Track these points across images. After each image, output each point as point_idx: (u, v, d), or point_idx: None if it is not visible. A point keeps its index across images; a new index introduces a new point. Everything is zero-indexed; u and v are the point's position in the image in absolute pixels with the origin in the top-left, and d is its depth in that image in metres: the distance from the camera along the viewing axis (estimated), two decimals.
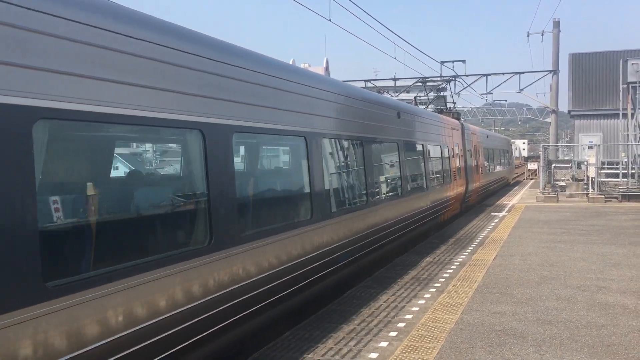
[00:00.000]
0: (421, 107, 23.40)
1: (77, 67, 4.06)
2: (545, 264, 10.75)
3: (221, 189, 5.69)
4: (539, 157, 40.46)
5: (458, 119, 22.47)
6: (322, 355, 6.07)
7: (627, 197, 24.50)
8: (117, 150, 6.97)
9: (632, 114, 28.33)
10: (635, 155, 26.88)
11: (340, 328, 6.99)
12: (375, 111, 11.03)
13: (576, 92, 38.94)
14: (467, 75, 40.02)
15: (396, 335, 6.64)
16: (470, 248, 12.60)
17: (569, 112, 40.03)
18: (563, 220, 17.80)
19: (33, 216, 3.64)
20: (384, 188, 11.63)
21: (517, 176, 57.01)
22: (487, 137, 29.41)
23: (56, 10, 3.95)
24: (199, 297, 5.25)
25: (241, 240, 5.98)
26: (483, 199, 25.89)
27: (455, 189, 18.47)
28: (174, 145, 8.72)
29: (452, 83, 38.96)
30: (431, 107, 26.10)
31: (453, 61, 38.66)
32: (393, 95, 32.01)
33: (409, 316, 7.40)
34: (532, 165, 58.38)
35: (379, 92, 22.04)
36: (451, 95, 29.83)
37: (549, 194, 25.74)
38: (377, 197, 10.65)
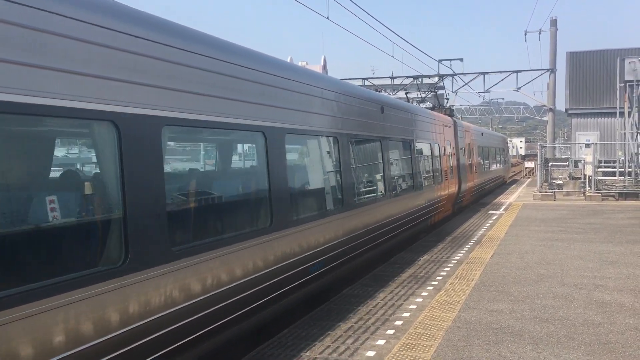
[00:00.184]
0: (419, 105, 22.72)
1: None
2: (542, 262, 10.76)
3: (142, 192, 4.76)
4: (536, 155, 40.50)
5: (451, 115, 21.53)
6: (320, 354, 6.06)
7: (624, 195, 24.55)
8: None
9: (629, 113, 28.37)
10: (632, 153, 26.93)
11: (337, 326, 7.00)
12: (355, 105, 10.04)
13: (573, 91, 38.98)
14: (464, 74, 40.03)
15: (393, 333, 6.65)
16: (467, 246, 12.61)
17: (566, 110, 40.08)
18: (560, 218, 17.83)
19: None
20: (363, 190, 10.57)
21: (515, 174, 57.07)
22: (482, 134, 28.64)
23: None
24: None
25: (172, 257, 4.99)
26: (478, 199, 25.11)
27: (447, 189, 17.52)
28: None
29: (447, 80, 39.00)
30: (428, 104, 25.53)
31: (451, 59, 38.66)
32: (391, 93, 31.89)
33: (406, 314, 7.41)
34: (529, 164, 58.49)
35: (376, 91, 21.96)
36: (445, 93, 28.80)
37: (546, 192, 25.78)
38: (355, 200, 9.61)
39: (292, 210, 7.26)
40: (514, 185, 36.96)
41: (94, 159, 5.39)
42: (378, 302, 8.04)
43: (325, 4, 17.71)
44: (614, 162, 27.97)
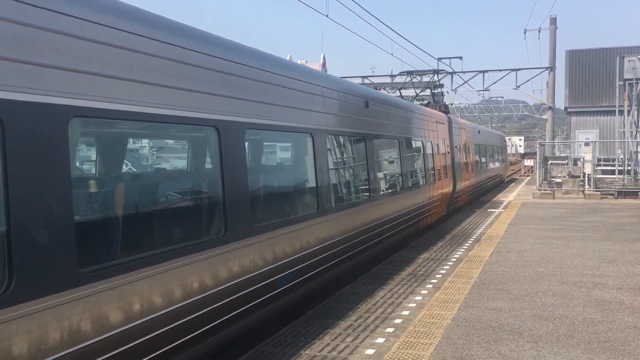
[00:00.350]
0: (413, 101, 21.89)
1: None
2: (542, 260, 10.77)
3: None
4: (535, 153, 40.49)
5: (446, 112, 20.62)
6: (319, 351, 6.06)
7: (623, 193, 24.57)
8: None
9: (629, 111, 28.38)
10: (631, 152, 26.94)
11: (337, 324, 6.99)
12: (334, 98, 9.11)
13: (573, 89, 38.98)
14: (464, 72, 40.04)
15: (393, 332, 6.64)
16: (466, 244, 12.61)
17: (566, 108, 40.09)
18: (559, 216, 17.84)
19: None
20: (342, 193, 9.67)
21: (513, 173, 57.11)
22: (479, 132, 27.72)
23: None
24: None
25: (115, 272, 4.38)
26: (474, 199, 24.27)
27: (440, 190, 16.54)
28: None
29: (446, 78, 38.96)
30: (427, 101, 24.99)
31: (450, 58, 38.74)
32: (390, 91, 31.84)
33: (405, 312, 7.41)
34: (528, 162, 58.53)
35: (375, 89, 21.72)
36: (441, 89, 27.80)
37: (545, 190, 25.79)
38: (332, 204, 8.68)
39: (252, 217, 6.33)
40: (513, 184, 36.97)
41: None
42: (377, 300, 8.04)
43: (324, 2, 17.68)
44: (613, 160, 27.98)
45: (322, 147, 8.43)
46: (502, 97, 69.59)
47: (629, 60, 28.04)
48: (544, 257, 11.09)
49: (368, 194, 10.41)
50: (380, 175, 11.36)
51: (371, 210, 10.35)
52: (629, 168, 26.29)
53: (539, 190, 26.10)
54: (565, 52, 40.13)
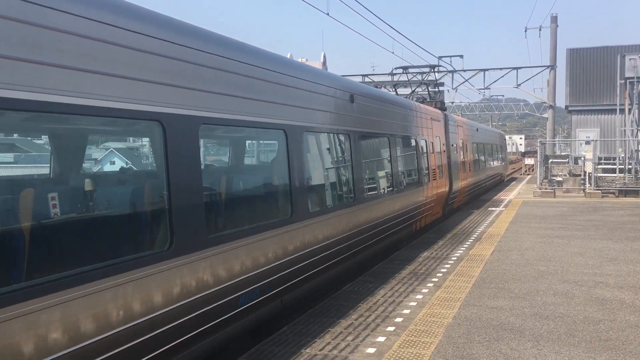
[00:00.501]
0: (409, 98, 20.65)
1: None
2: (543, 258, 10.76)
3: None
4: (535, 152, 40.42)
5: (442, 109, 19.81)
6: (320, 350, 6.06)
7: (624, 192, 24.56)
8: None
9: (630, 110, 28.35)
10: (632, 150, 26.91)
11: (337, 323, 6.99)
12: (313, 92, 8.26)
13: (574, 88, 38.93)
14: (464, 70, 39.99)
15: (394, 330, 6.64)
16: (467, 243, 12.60)
17: (567, 107, 40.03)
18: (560, 215, 17.82)
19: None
20: (324, 195, 8.89)
21: (514, 172, 57.08)
22: (477, 130, 26.74)
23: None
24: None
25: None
26: (472, 200, 23.57)
27: (435, 190, 15.72)
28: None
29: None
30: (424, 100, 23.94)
31: (451, 56, 38.64)
32: (390, 90, 31.75)
33: (406, 311, 7.40)
34: (529, 161, 58.52)
35: (376, 87, 21.44)
36: (438, 85, 26.58)
37: (546, 189, 25.78)
38: (310, 209, 7.89)
39: (206, 226, 5.53)
40: (514, 182, 36.95)
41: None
42: (378, 299, 8.03)
43: (325, 0, 17.65)
44: (614, 159, 27.94)
45: (297, 146, 7.58)
46: (503, 96, 69.53)
47: (629, 59, 27.99)
48: (544, 255, 11.08)
49: (352, 197, 9.55)
50: (366, 176, 10.55)
51: (356, 214, 9.52)
52: (630, 167, 26.25)
53: (540, 188, 26.09)
54: (566, 51, 40.08)
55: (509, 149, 66.19)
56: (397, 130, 12.61)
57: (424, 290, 8.44)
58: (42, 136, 7.16)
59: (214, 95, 5.81)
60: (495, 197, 24.95)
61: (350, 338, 6.42)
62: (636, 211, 18.84)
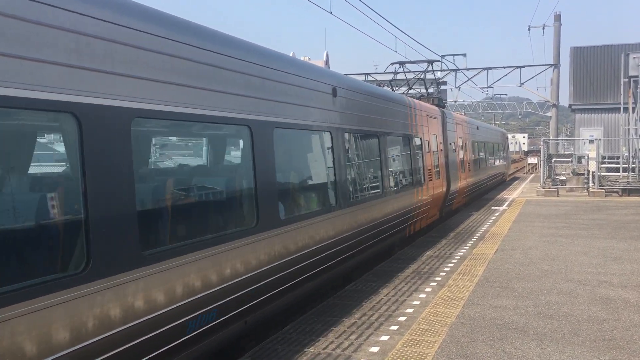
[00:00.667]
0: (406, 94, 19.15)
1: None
2: (546, 258, 10.74)
3: None
4: (539, 151, 40.34)
5: (440, 106, 18.70)
6: (324, 349, 6.06)
7: (628, 191, 24.50)
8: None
9: (633, 108, 28.26)
10: (636, 149, 26.84)
11: (341, 322, 6.99)
12: (284, 82, 7.31)
13: (577, 86, 38.86)
14: (467, 69, 39.95)
15: (397, 329, 6.63)
16: (470, 242, 12.59)
17: (570, 106, 39.98)
18: (564, 214, 17.79)
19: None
20: (300, 200, 8.10)
21: (517, 171, 56.94)
22: (477, 128, 25.67)
23: None
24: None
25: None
26: (472, 201, 22.66)
27: (431, 192, 14.77)
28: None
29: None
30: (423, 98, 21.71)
31: (454, 55, 38.65)
32: (394, 89, 31.65)
33: (410, 310, 7.39)
34: (532, 160, 58.43)
35: (379, 86, 21.15)
36: (436, 80, 25.45)
37: (549, 188, 25.73)
38: (282, 215, 7.00)
39: (140, 241, 4.59)
40: (517, 181, 36.88)
41: None
42: (381, 298, 8.03)
43: None
44: (618, 158, 27.87)
45: (265, 144, 6.66)
46: (506, 95, 69.46)
47: (633, 57, 27.92)
48: (548, 254, 11.06)
49: (334, 201, 8.65)
50: (351, 178, 9.59)
51: (338, 221, 8.62)
52: (634, 165, 26.19)
53: (543, 187, 26.05)
54: (570, 49, 40.02)
55: (511, 148, 66.06)
56: (387, 127, 11.64)
57: (428, 289, 8.43)
58: None
59: (150, 83, 4.86)
60: (498, 196, 24.92)
61: (353, 337, 6.42)
62: None
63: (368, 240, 10.02)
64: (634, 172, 26.02)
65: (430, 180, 14.81)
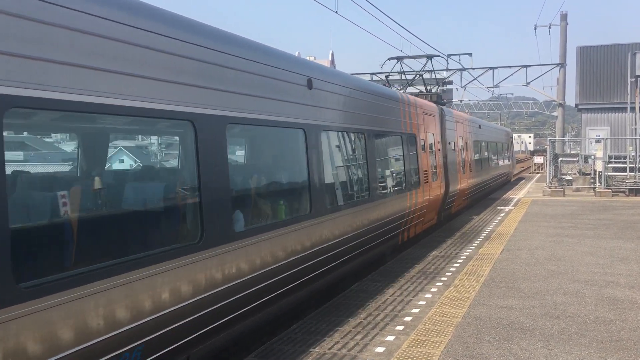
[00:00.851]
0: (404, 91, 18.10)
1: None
2: (553, 258, 10.69)
3: None
4: (544, 150, 40.17)
5: (439, 103, 17.63)
6: (329, 349, 6.05)
7: (635, 191, 24.38)
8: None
9: None
10: None
11: (346, 322, 6.97)
12: (243, 70, 6.26)
13: (584, 86, 38.71)
14: (473, 69, 39.86)
15: (403, 329, 6.62)
16: (476, 242, 12.55)
17: (576, 105, 39.83)
18: (570, 214, 17.72)
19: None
20: (263, 208, 7.09)
21: (523, 171, 56.74)
22: (480, 127, 24.61)
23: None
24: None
25: None
26: (474, 203, 21.67)
27: (428, 195, 13.75)
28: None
29: (456, 75, 38.70)
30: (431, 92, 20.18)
31: (459, 54, 38.56)
32: (398, 88, 31.51)
33: (415, 310, 7.37)
34: (538, 159, 58.24)
35: (384, 85, 20.79)
36: (435, 76, 24.09)
37: (555, 188, 25.64)
38: (241, 226, 6.15)
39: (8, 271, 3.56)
40: (523, 181, 36.76)
41: None
42: (387, 298, 8.01)
43: None
44: (625, 157, 27.73)
45: (217, 142, 5.66)
46: (512, 94, 69.27)
47: None
48: (554, 255, 11.01)
49: (308, 208, 7.63)
50: (330, 181, 8.60)
51: (313, 230, 7.60)
52: None
53: (550, 187, 25.95)
54: (576, 49, 39.86)
55: (517, 148, 65.87)
56: (376, 125, 10.53)
57: (433, 289, 8.41)
58: None
59: (68, 68, 4.07)
60: (504, 196, 24.84)
61: (359, 337, 6.40)
62: None
63: (351, 251, 9.00)
64: None
65: (427, 182, 13.81)
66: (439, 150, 15.74)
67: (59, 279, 3.92)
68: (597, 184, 25.16)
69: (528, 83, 39.47)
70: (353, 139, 9.71)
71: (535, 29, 42.31)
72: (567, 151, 38.13)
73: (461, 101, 50.29)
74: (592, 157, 27.03)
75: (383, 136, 11.20)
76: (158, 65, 4.92)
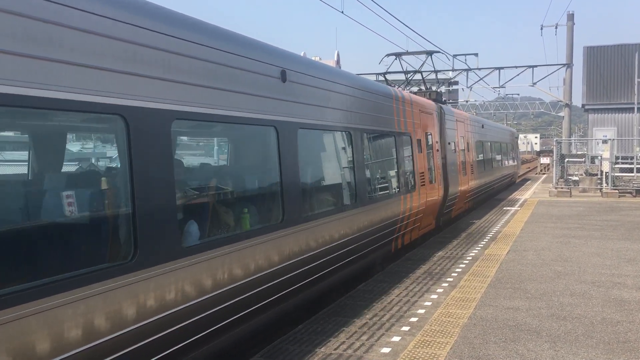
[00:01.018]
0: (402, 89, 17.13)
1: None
2: (559, 259, 10.65)
3: None
4: (551, 151, 39.98)
5: (439, 101, 16.79)
6: (335, 349, 6.04)
7: None
8: None
9: None
10: None
11: (352, 322, 6.97)
12: (195, 57, 5.33)
13: (590, 86, 38.54)
14: (479, 69, 39.74)
15: (409, 330, 6.61)
16: (482, 243, 12.52)
17: (583, 105, 39.65)
18: (576, 215, 17.65)
19: None
20: (227, 218, 6.17)
21: (529, 171, 56.53)
22: (483, 126, 23.70)
23: None
24: None
25: None
26: (476, 206, 20.94)
27: (424, 198, 12.81)
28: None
29: (462, 75, 38.57)
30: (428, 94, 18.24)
31: (465, 54, 38.43)
32: (398, 87, 31.31)
33: (421, 311, 7.36)
34: (544, 160, 58.04)
35: (390, 86, 20.47)
36: (435, 72, 23.06)
37: (562, 188, 25.55)
38: (194, 240, 5.41)
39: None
40: (529, 182, 36.64)
41: None
42: (392, 299, 8.00)
43: None
44: (632, 158, 27.59)
45: (158, 141, 4.77)
46: (518, 94, 69.05)
47: None
48: (561, 255, 10.97)
49: (280, 217, 6.73)
50: (308, 186, 7.82)
51: (286, 242, 6.70)
52: None
53: (556, 188, 25.86)
54: (583, 49, 39.70)
55: (523, 148, 65.63)
56: (364, 123, 9.55)
57: (439, 290, 8.39)
58: None
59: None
60: (510, 197, 24.77)
61: (365, 337, 6.40)
62: None
63: (333, 263, 8.12)
64: None
65: (423, 185, 12.89)
66: (438, 150, 14.89)
67: None
68: (604, 184, 25.06)
69: (534, 83, 39.31)
70: (337, 138, 8.84)
71: (541, 29, 42.12)
72: (574, 152, 37.94)
73: (467, 101, 50.15)
74: (599, 157, 26.91)
75: (373, 136, 10.27)
76: (73, 47, 4.05)
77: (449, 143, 16.38)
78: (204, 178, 6.53)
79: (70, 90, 4.01)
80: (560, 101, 41.66)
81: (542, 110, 65.47)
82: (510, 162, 33.14)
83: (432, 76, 28.44)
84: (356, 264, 9.15)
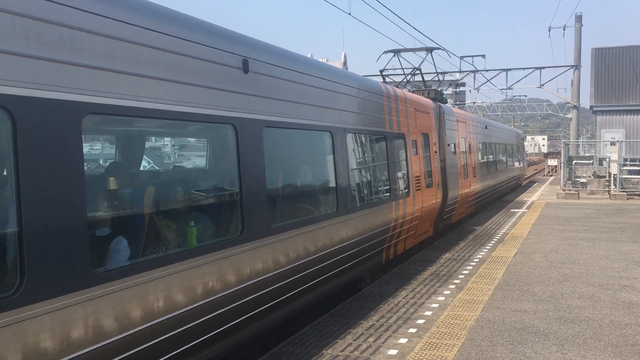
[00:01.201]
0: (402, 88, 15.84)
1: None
2: (567, 261, 10.60)
3: None
4: (558, 153, 39.78)
5: (438, 100, 15.80)
6: (342, 351, 6.04)
7: None
8: None
9: None
10: None
11: (359, 324, 6.96)
12: (128, 42, 4.43)
13: (598, 88, 38.34)
14: (486, 70, 39.65)
15: (416, 332, 6.59)
16: (489, 245, 12.48)
17: (591, 107, 39.45)
18: (584, 217, 17.56)
19: None
20: (169, 233, 5.21)
21: (536, 173, 56.29)
22: (487, 127, 22.46)
23: None
24: None
25: None
26: (479, 211, 20.00)
27: (420, 204, 11.85)
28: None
29: (469, 77, 38.50)
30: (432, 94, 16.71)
31: (473, 56, 38.37)
32: (411, 89, 31.14)
33: (428, 313, 7.35)
34: (552, 162, 57.83)
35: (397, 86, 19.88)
36: (436, 70, 22.36)
37: (569, 190, 25.42)
38: (124, 262, 4.54)
39: None
40: (537, 184, 36.50)
41: None
42: (399, 300, 7.99)
43: (347, 0, 17.60)
44: None
45: (59, 139, 3.81)
46: (526, 96, 68.99)
47: None
48: (569, 258, 10.92)
49: (239, 229, 5.75)
50: (277, 193, 6.92)
51: (246, 258, 5.72)
52: None
53: (564, 190, 25.74)
54: (591, 50, 39.50)
55: (530, 150, 65.33)
56: (347, 121, 8.58)
57: (446, 292, 8.37)
58: None
59: None
60: (517, 199, 24.69)
61: (371, 339, 6.39)
62: None
63: (308, 280, 7.16)
64: None
65: (419, 189, 11.88)
66: (436, 152, 13.79)
67: None
68: (612, 186, 24.92)
69: (542, 85, 39.19)
70: (314, 139, 7.89)
71: (549, 30, 42.04)
72: (582, 153, 37.77)
73: (474, 103, 50.05)
74: (607, 159, 26.77)
75: (359, 136, 9.22)
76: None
77: (449, 144, 15.36)
78: (139, 186, 5.55)
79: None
80: (568, 103, 41.50)
81: (549, 112, 65.20)
82: (516, 164, 32.19)
83: (436, 76, 28.15)
84: (339, 278, 8.18)
